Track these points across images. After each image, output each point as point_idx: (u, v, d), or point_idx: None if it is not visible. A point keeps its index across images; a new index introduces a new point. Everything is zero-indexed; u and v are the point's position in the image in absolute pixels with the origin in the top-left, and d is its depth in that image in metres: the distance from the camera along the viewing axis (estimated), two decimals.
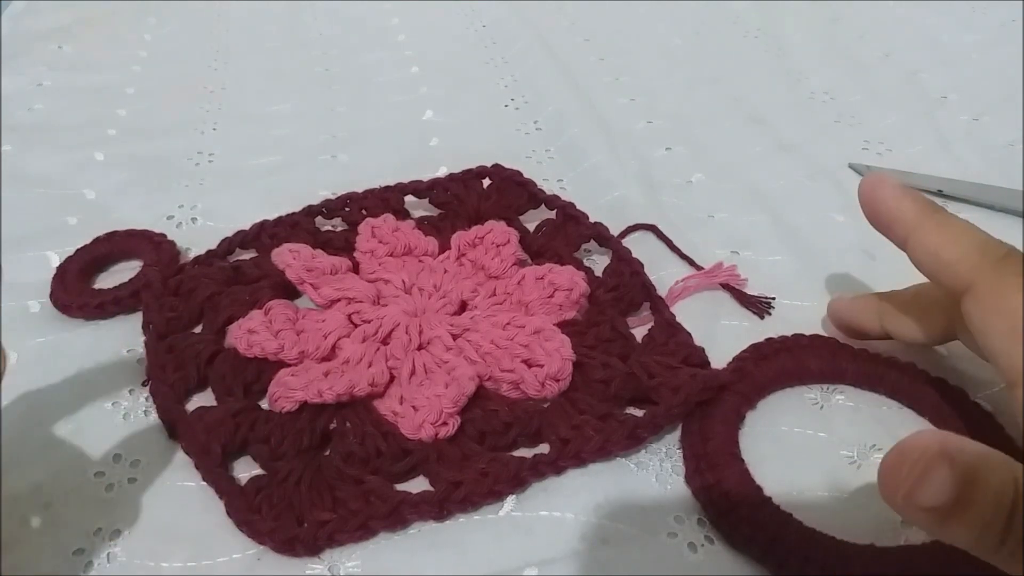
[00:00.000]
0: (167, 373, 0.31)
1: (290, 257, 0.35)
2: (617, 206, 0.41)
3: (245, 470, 0.29)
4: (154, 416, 0.31)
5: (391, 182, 0.41)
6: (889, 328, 0.31)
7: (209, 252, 0.38)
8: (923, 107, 0.50)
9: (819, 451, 0.29)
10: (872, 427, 0.30)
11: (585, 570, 0.26)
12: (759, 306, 0.35)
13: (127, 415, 0.31)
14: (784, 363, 0.31)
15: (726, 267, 0.37)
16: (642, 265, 0.36)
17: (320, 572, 0.26)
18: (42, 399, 0.32)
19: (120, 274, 0.37)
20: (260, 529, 0.26)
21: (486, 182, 0.41)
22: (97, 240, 0.38)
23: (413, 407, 0.29)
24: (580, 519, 0.27)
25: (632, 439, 0.28)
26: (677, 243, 0.38)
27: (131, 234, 0.38)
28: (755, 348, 0.32)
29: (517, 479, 0.28)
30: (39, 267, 0.38)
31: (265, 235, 0.38)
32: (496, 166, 0.41)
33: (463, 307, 0.35)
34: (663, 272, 0.37)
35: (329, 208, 0.40)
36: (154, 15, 0.63)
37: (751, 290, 0.36)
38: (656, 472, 0.29)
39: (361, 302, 0.34)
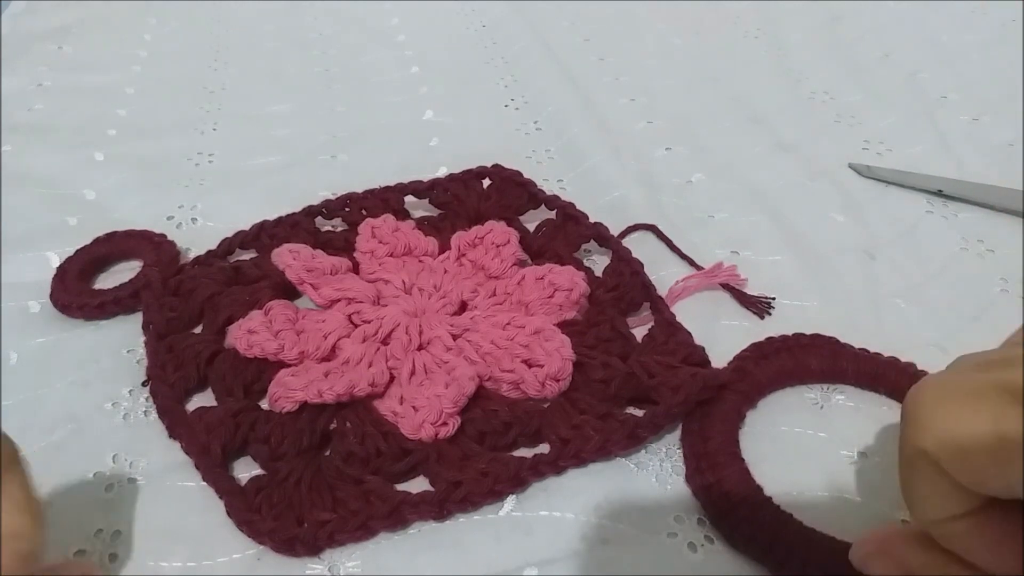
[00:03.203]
0: (167, 373, 0.31)
1: (290, 257, 0.35)
2: (617, 206, 0.41)
3: (245, 470, 0.29)
4: (154, 416, 0.31)
5: (391, 182, 0.41)
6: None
7: (209, 252, 0.37)
8: (923, 107, 0.50)
9: (819, 451, 0.29)
10: (872, 427, 0.30)
11: (585, 570, 0.26)
12: (759, 306, 0.35)
13: (127, 415, 0.31)
14: (785, 362, 0.31)
15: (726, 267, 0.37)
16: (642, 265, 0.36)
17: (320, 572, 0.26)
18: (42, 399, 0.32)
19: (120, 274, 0.37)
20: (260, 529, 0.26)
21: (486, 182, 0.41)
22: (97, 240, 0.38)
23: (413, 407, 0.29)
24: (580, 519, 0.27)
25: (632, 439, 0.28)
26: (677, 243, 0.38)
27: (131, 234, 0.38)
28: (756, 347, 0.32)
29: (517, 479, 0.28)
30: (39, 267, 0.38)
31: (265, 235, 0.38)
32: (496, 166, 0.41)
33: (463, 307, 0.35)
34: (663, 272, 0.37)
35: (329, 208, 0.40)
36: (154, 15, 0.63)
37: (751, 290, 0.36)
38: (656, 472, 0.29)
39: (361, 302, 0.34)
